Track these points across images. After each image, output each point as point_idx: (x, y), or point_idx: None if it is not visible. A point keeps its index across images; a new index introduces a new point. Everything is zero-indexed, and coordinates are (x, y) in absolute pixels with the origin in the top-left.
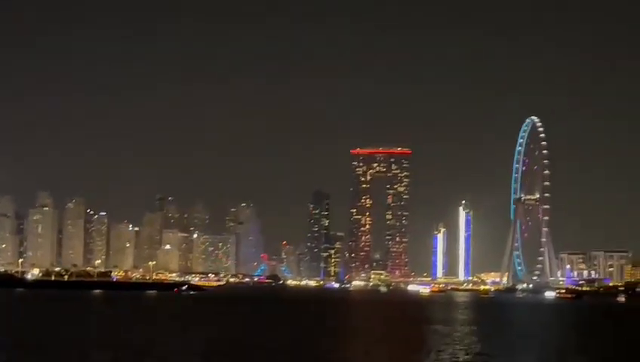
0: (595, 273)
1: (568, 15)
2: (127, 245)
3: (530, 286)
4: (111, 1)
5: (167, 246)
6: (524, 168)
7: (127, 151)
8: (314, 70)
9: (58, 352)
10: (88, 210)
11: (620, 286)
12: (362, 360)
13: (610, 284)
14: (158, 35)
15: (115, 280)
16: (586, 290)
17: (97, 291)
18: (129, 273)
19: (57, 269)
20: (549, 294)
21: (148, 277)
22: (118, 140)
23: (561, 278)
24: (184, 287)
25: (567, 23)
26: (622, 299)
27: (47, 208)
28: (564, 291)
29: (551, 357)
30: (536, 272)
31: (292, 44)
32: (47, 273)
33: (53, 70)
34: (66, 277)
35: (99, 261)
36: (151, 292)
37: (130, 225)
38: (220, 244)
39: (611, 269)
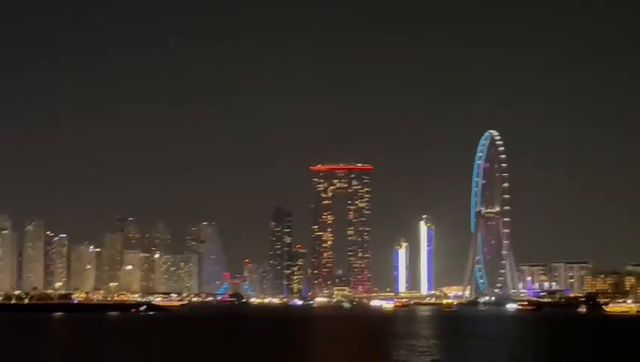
0: (556, 284)
1: (526, 28)
2: (88, 266)
3: (493, 298)
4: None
5: (129, 267)
6: (484, 181)
7: (85, 173)
8: (272, 86)
9: None
10: (48, 232)
11: (581, 297)
12: None
13: (571, 295)
14: (116, 57)
15: (76, 302)
16: (547, 302)
17: (58, 314)
18: (90, 295)
19: (17, 292)
20: (511, 306)
21: (109, 299)
22: (76, 161)
23: (522, 290)
24: (142, 308)
25: (526, 35)
26: (583, 309)
27: (6, 231)
28: (525, 303)
29: None
30: (498, 285)
31: (252, 62)
32: (7, 297)
33: (8, 90)
34: (26, 301)
35: (59, 283)
36: (113, 313)
37: (91, 247)
38: (182, 264)
39: (572, 280)
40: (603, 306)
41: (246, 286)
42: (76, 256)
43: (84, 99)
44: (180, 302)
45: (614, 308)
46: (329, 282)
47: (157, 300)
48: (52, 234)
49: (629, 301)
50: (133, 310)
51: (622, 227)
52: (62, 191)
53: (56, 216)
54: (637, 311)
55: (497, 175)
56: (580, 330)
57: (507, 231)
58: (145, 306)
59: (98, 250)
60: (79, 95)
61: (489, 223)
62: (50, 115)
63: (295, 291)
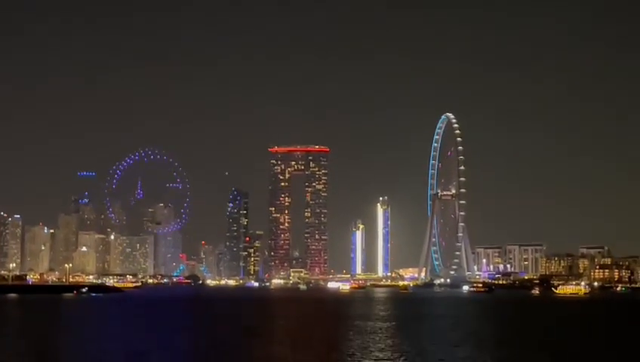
0: (511, 266)
1: (479, 9)
2: (43, 248)
3: (448, 280)
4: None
5: (84, 248)
6: (439, 164)
7: (40, 153)
8: (230, 68)
9: None
10: (2, 213)
11: (535, 279)
12: (282, 357)
13: (526, 277)
14: (74, 35)
15: (30, 283)
16: (499, 284)
17: (13, 295)
18: (45, 276)
19: None
20: (466, 288)
21: (64, 280)
22: (30, 141)
23: (477, 272)
24: (84, 289)
25: (478, 16)
26: (536, 291)
27: None
28: (480, 285)
29: (462, 346)
30: (454, 267)
31: (210, 42)
32: None
33: None
34: None
35: (13, 264)
36: (68, 294)
37: (46, 228)
38: (138, 245)
39: (526, 263)
40: (553, 288)
41: (202, 268)
42: (30, 237)
43: (36, 79)
44: (134, 284)
45: (564, 289)
46: (286, 264)
47: (111, 281)
48: (5, 215)
49: (583, 283)
50: (75, 291)
51: (576, 210)
52: (16, 171)
53: (10, 197)
54: (585, 293)
55: (450, 155)
56: (521, 311)
57: (463, 213)
58: (86, 288)
59: (52, 231)
60: (30, 74)
61: (445, 205)
62: (1, 94)
63: (252, 273)
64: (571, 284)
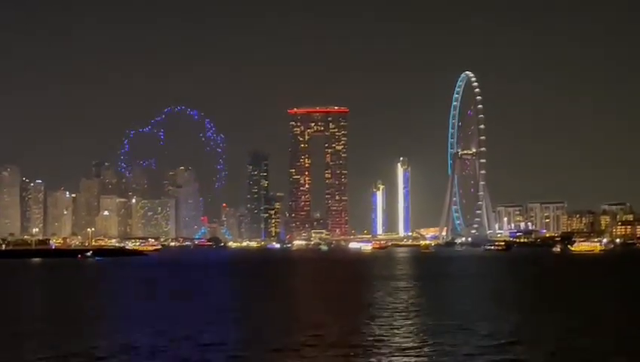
0: (532, 224)
1: None
2: (65, 212)
3: (469, 239)
4: None
5: (106, 212)
6: (460, 123)
7: (60, 118)
8: (249, 30)
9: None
10: (24, 178)
11: (557, 236)
12: (310, 318)
13: (547, 235)
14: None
15: (53, 247)
16: (520, 242)
17: (36, 259)
18: (68, 240)
19: None
20: (488, 247)
21: (87, 244)
22: (50, 107)
23: (499, 231)
24: (89, 253)
25: None
26: (557, 249)
27: None
28: (502, 243)
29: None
30: (475, 226)
31: (229, 5)
32: None
33: None
34: (3, 246)
35: (36, 229)
36: (67, 259)
37: (67, 192)
38: (159, 209)
39: (548, 220)
40: (568, 245)
41: (224, 230)
42: (52, 201)
43: (60, 45)
44: (154, 247)
45: (579, 247)
46: (307, 225)
47: (131, 245)
48: (28, 180)
49: (605, 240)
50: (80, 256)
51: (597, 166)
52: (37, 136)
53: (32, 162)
54: (600, 250)
55: (470, 114)
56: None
57: (483, 172)
58: (90, 251)
59: (74, 195)
60: (55, 43)
61: (465, 164)
62: (24, 59)
63: (273, 234)
64: (588, 241)
